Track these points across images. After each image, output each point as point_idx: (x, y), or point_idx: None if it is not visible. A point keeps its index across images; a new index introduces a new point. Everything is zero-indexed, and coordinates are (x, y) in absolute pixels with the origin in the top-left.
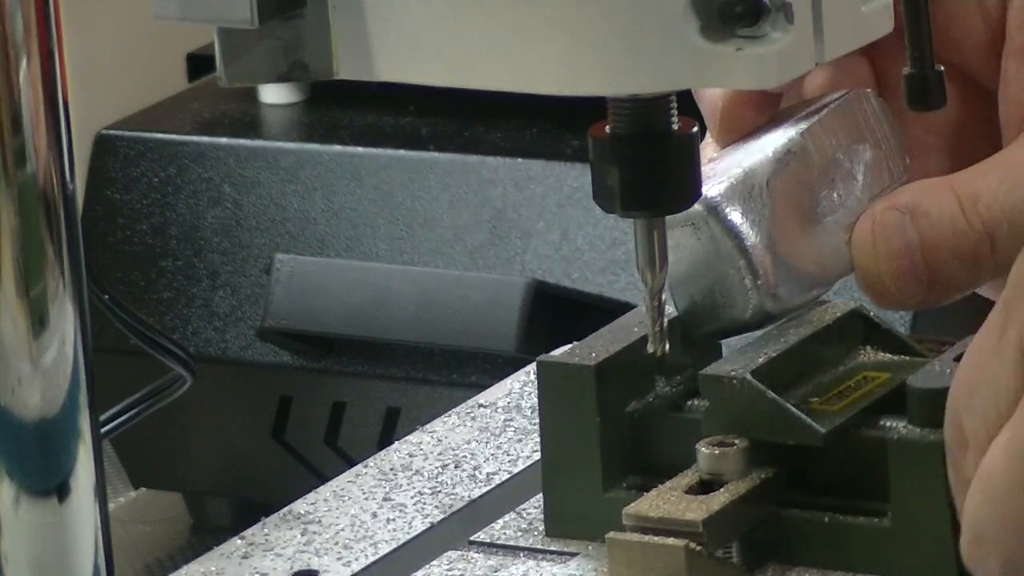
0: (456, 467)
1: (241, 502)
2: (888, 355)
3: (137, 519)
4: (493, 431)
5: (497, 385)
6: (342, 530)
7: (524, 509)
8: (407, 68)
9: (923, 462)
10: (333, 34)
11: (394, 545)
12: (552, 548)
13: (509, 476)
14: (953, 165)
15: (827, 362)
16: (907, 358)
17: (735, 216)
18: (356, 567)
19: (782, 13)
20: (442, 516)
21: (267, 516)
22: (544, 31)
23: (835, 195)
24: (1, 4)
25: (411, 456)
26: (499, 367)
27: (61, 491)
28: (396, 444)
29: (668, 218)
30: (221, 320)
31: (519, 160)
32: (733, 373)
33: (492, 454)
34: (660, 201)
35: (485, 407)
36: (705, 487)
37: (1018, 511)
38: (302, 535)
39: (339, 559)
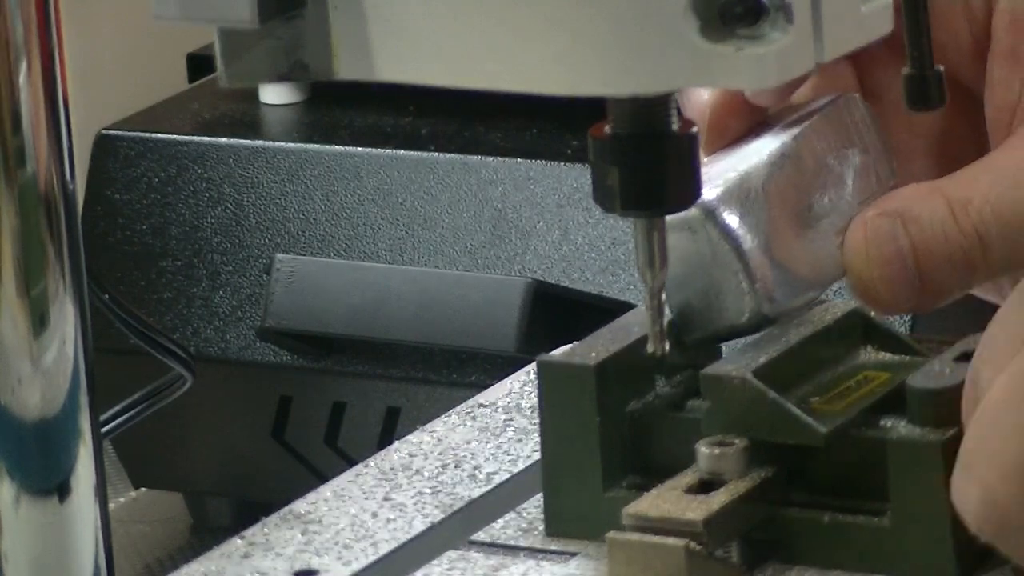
0: (456, 467)
1: (241, 502)
2: (889, 355)
3: (137, 519)
4: (493, 431)
5: (497, 385)
6: (342, 530)
7: (524, 509)
8: (407, 68)
9: (923, 462)
10: (333, 34)
11: (394, 545)
12: (552, 548)
13: (509, 476)
14: (939, 169)
15: (828, 362)
16: (908, 358)
17: (732, 220)
18: (356, 567)
19: (782, 13)
20: (442, 516)
21: (267, 516)
22: (544, 31)
23: (826, 199)
24: (1, 4)
25: (411, 456)
26: (499, 367)
27: (61, 491)
28: (396, 444)
29: (666, 220)
30: (221, 320)
31: (519, 160)
32: (734, 373)
33: (492, 454)
34: (660, 201)
35: (485, 407)
36: (705, 487)
37: (1004, 442)
38: (302, 535)
39: (339, 559)
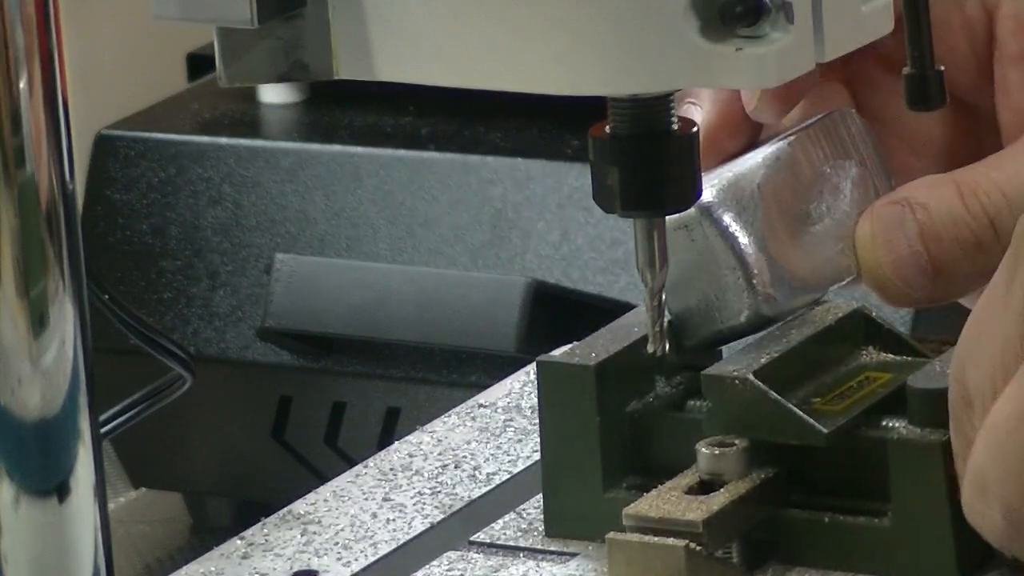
0: (456, 467)
1: (241, 502)
2: (890, 355)
3: (137, 519)
4: (493, 431)
5: (497, 385)
6: (342, 530)
7: (524, 509)
8: (407, 68)
9: (923, 462)
10: (333, 34)
11: (394, 545)
12: (552, 548)
13: (509, 476)
14: None
15: (829, 362)
16: (909, 358)
17: (728, 218)
18: (356, 567)
19: (782, 13)
20: (442, 516)
21: (267, 516)
22: (544, 31)
23: (823, 207)
24: (1, 5)
25: (411, 456)
26: (499, 367)
27: (61, 491)
28: (396, 444)
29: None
30: (221, 320)
31: (519, 160)
32: (735, 373)
33: (492, 454)
34: (660, 201)
35: (485, 407)
36: (705, 487)
37: (1020, 456)
38: (302, 535)
39: (339, 559)
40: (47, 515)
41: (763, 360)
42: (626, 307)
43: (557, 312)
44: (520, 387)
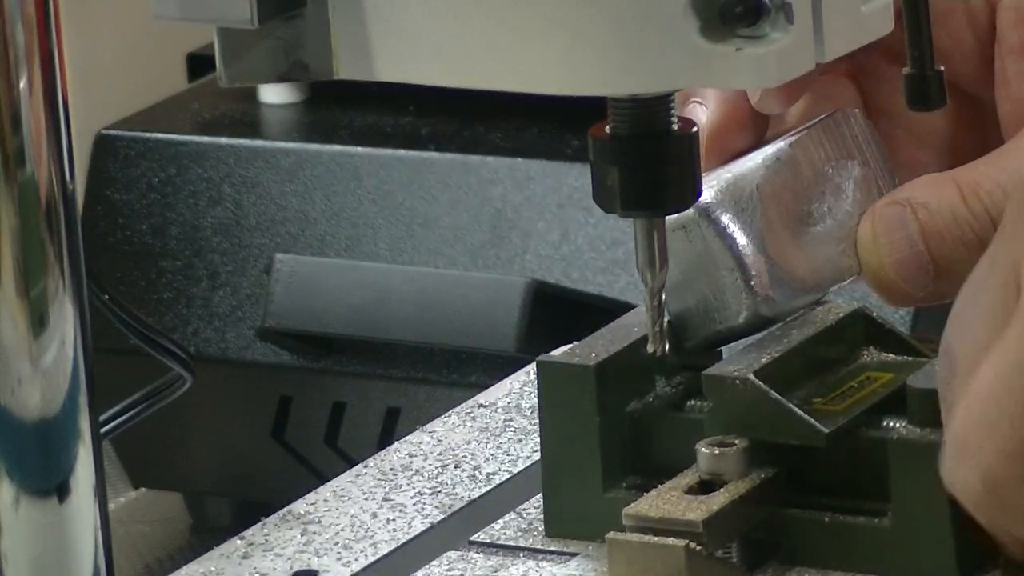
0: (456, 467)
1: (241, 502)
2: (891, 355)
3: (137, 519)
4: (493, 431)
5: (497, 385)
6: (342, 530)
7: (524, 509)
8: (407, 68)
9: (923, 462)
10: (333, 34)
11: (394, 545)
12: (552, 548)
13: (509, 476)
14: None
15: (830, 362)
16: (910, 358)
17: (726, 219)
18: (356, 567)
19: (782, 13)
20: (442, 516)
21: (267, 516)
22: (544, 31)
23: (825, 207)
24: (1, 5)
25: (411, 456)
26: (499, 367)
27: (61, 491)
28: (396, 444)
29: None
30: (221, 320)
31: (519, 160)
32: (736, 373)
33: (492, 454)
34: (660, 201)
35: (485, 407)
36: (705, 487)
37: (1002, 424)
38: (302, 535)
39: (339, 559)
40: (47, 515)
41: (764, 360)
42: (626, 307)
43: (557, 312)
44: (520, 387)
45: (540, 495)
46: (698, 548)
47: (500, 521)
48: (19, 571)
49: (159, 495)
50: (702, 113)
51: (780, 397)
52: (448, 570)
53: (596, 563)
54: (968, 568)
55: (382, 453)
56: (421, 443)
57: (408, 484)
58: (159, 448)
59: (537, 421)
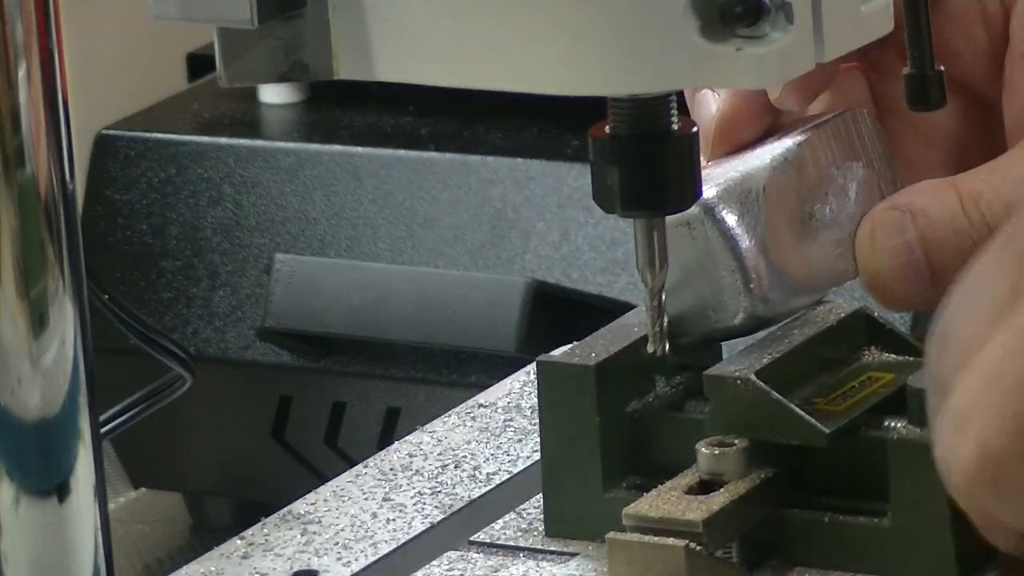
0: (456, 467)
1: (241, 502)
2: (892, 355)
3: (137, 519)
4: (493, 431)
5: (497, 385)
6: (342, 530)
7: (524, 509)
8: (407, 68)
9: (923, 462)
10: (333, 34)
11: (394, 545)
12: (552, 548)
13: (509, 476)
14: None
15: (831, 362)
16: (911, 359)
17: (731, 219)
18: (356, 567)
19: (782, 13)
20: (442, 516)
21: (267, 516)
22: (544, 31)
23: (828, 209)
24: (1, 5)
25: (411, 456)
26: (499, 367)
27: (61, 491)
28: (396, 444)
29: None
30: (221, 320)
31: (519, 160)
32: (737, 374)
33: (492, 454)
34: (660, 201)
35: (485, 407)
36: (705, 487)
37: (1006, 397)
38: (302, 535)
39: (339, 559)
40: (47, 515)
41: (765, 360)
42: (626, 307)
43: (557, 312)
44: (520, 387)
45: (540, 495)
46: (698, 548)
47: (500, 521)
48: (19, 571)
49: (159, 495)
50: (713, 101)
51: (781, 397)
52: (448, 570)
53: (596, 563)
54: (968, 568)
55: (382, 453)
56: (421, 443)
57: (408, 484)
58: (159, 448)
59: (537, 421)
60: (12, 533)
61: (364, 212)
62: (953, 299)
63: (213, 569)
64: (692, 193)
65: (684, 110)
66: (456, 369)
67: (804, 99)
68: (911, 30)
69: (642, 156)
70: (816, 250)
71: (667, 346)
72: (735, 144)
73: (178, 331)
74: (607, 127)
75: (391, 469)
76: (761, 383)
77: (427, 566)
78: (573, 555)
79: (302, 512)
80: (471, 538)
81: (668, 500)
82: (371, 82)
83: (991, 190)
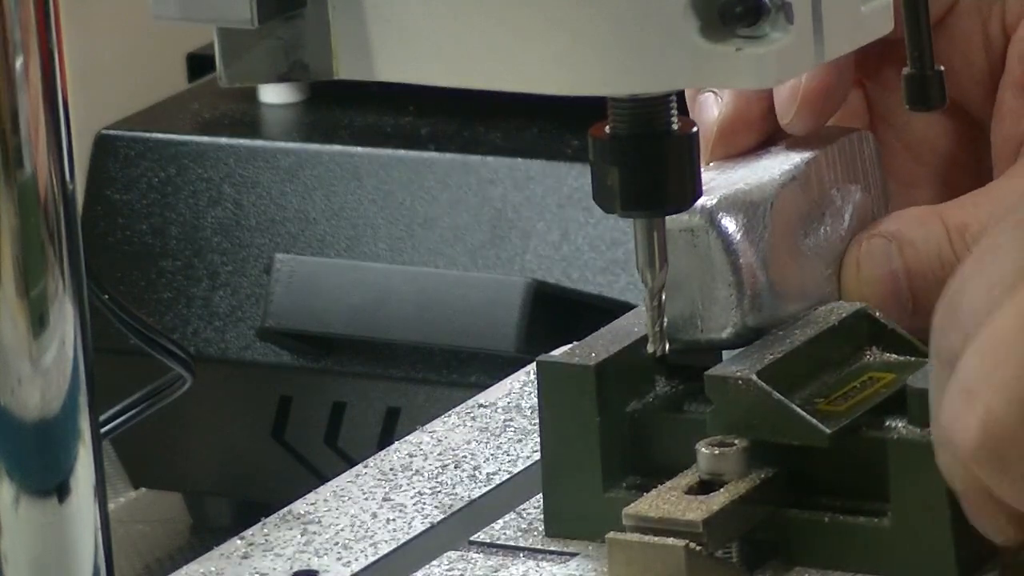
0: (456, 467)
1: (241, 502)
2: (894, 355)
3: (137, 519)
4: (493, 431)
5: (497, 385)
6: (342, 530)
7: (524, 509)
8: (407, 68)
9: (923, 462)
10: (333, 34)
11: (394, 545)
12: (552, 548)
13: (509, 476)
14: (942, 197)
15: (833, 363)
16: (913, 359)
17: (735, 232)
18: (356, 567)
19: (782, 13)
20: (442, 516)
21: (267, 516)
22: (544, 31)
23: (823, 230)
24: (1, 4)
25: (411, 456)
26: (499, 367)
27: (61, 491)
28: (396, 444)
29: (668, 221)
30: (221, 320)
31: (519, 160)
32: (738, 374)
33: (492, 454)
34: (660, 201)
35: (485, 407)
36: (705, 487)
37: (1016, 368)
38: (302, 535)
39: (339, 559)
40: (47, 515)
41: (766, 360)
42: (626, 307)
43: (557, 312)
44: (520, 387)
45: (540, 495)
46: (698, 548)
47: (500, 521)
48: (19, 571)
49: (159, 495)
50: (714, 105)
51: (783, 398)
52: (448, 570)
53: (596, 563)
54: (968, 568)
55: (382, 453)
56: (421, 443)
57: (408, 484)
58: (159, 448)
59: (537, 421)
60: (12, 533)
61: (364, 212)
62: (962, 273)
63: (213, 569)
64: (692, 193)
65: (684, 110)
66: (456, 369)
67: (817, 122)
68: (911, 30)
69: (642, 156)
70: (808, 270)
71: (667, 346)
72: (735, 149)
73: (178, 331)
74: (607, 127)
75: (391, 469)
76: (763, 383)
77: (427, 566)
78: (573, 555)
79: (302, 512)
80: (471, 538)
81: (668, 500)
82: (371, 82)
83: (977, 223)
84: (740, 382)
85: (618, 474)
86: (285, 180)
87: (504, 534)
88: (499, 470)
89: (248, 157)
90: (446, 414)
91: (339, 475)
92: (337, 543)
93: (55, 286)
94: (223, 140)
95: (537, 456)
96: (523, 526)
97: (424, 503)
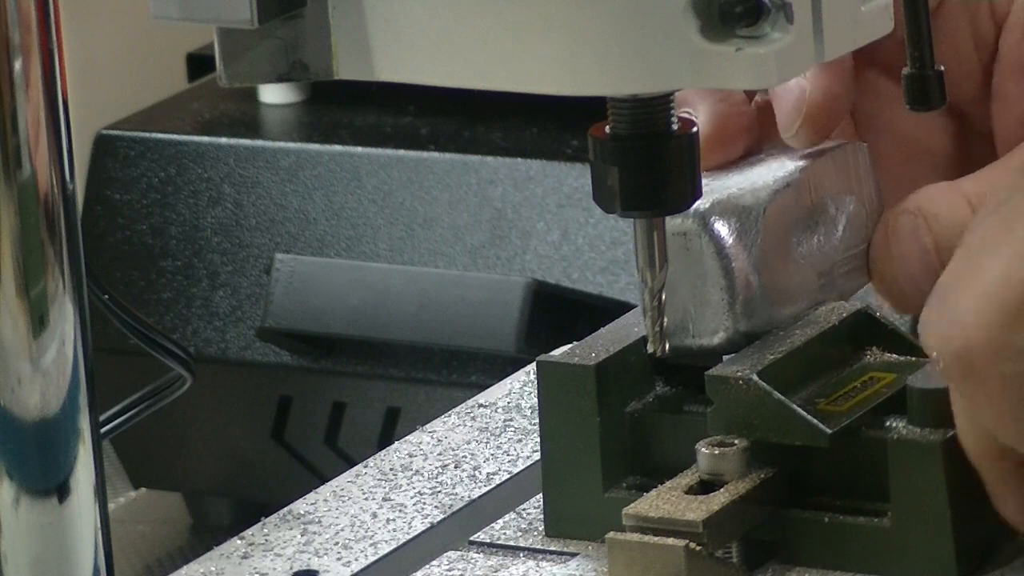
0: (456, 467)
1: (241, 502)
2: (894, 356)
3: (137, 519)
4: (493, 431)
5: (497, 385)
6: (342, 530)
7: (524, 509)
8: (407, 68)
9: (922, 462)
10: (333, 34)
11: (394, 545)
12: (552, 548)
13: (509, 476)
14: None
15: (833, 363)
16: (913, 359)
17: (728, 236)
18: (356, 567)
19: (782, 13)
20: (442, 516)
21: (267, 516)
22: (544, 31)
23: (816, 239)
24: (0, 4)
25: (411, 456)
26: (499, 367)
27: (61, 491)
28: (396, 444)
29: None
30: (221, 320)
31: (519, 160)
32: (739, 374)
33: (492, 454)
34: (660, 201)
35: (485, 407)
36: (705, 487)
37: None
38: (302, 535)
39: (339, 559)
40: (47, 515)
41: (767, 360)
42: (626, 307)
43: (557, 312)
44: (520, 387)
45: (540, 495)
46: (698, 548)
47: (500, 521)
48: (19, 571)
49: (159, 495)
50: (703, 113)
51: (784, 398)
52: (448, 570)
53: (596, 563)
54: (968, 568)
55: (382, 453)
56: (421, 443)
57: (408, 484)
58: (159, 448)
59: (537, 421)
60: (12, 533)
61: (364, 212)
62: (974, 221)
63: (213, 569)
64: (692, 193)
65: None
66: (456, 369)
67: (819, 137)
68: (911, 30)
69: (642, 156)
70: (800, 277)
71: (667, 346)
72: (711, 165)
73: (178, 331)
74: (607, 127)
75: (391, 469)
76: (763, 383)
77: (427, 566)
78: (573, 555)
79: (302, 512)
80: (471, 538)
81: (668, 500)
82: (371, 82)
83: (995, 194)
84: (740, 382)
85: (618, 474)
86: (285, 180)
87: (504, 534)
88: (499, 470)
89: (248, 157)
90: (446, 414)
91: (339, 475)
92: (337, 543)
93: (55, 286)
94: (223, 140)
95: (537, 456)
96: (523, 526)
97: (424, 503)
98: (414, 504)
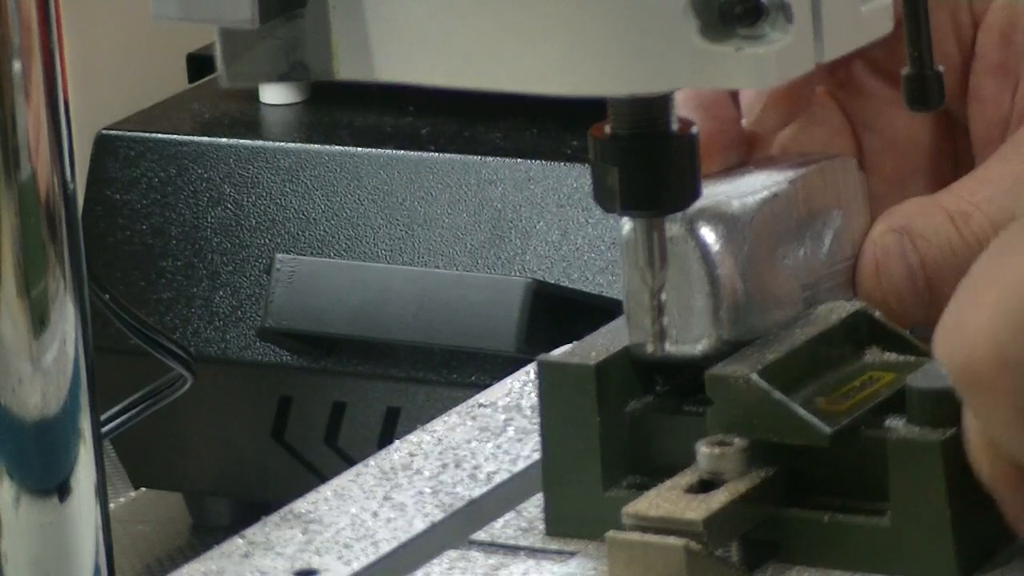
0: (456, 467)
1: (241, 502)
2: (894, 355)
3: (137, 519)
4: (493, 431)
5: (497, 385)
6: (342, 529)
7: (524, 509)
8: (407, 68)
9: (922, 461)
10: (333, 34)
11: (394, 544)
12: (552, 548)
13: (509, 476)
14: (931, 189)
15: (833, 362)
16: (913, 358)
17: (715, 243)
18: (356, 566)
19: (782, 13)
20: (442, 515)
21: (267, 516)
22: (544, 31)
23: (802, 251)
24: (1, 5)
25: (411, 455)
26: (499, 367)
27: (61, 491)
28: (397, 443)
29: None
30: (221, 320)
31: (519, 160)
32: (739, 373)
33: (492, 454)
34: (660, 201)
35: (485, 407)
36: (705, 487)
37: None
38: (303, 534)
39: (339, 558)
40: (47, 515)
41: (767, 360)
42: None
43: (557, 312)
44: (520, 387)
45: (540, 495)
46: (698, 547)
47: (500, 520)
48: (19, 571)
49: (159, 495)
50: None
51: (783, 397)
52: (448, 569)
53: (596, 562)
54: (967, 568)
55: (383, 452)
56: (421, 442)
57: (409, 483)
58: (159, 448)
59: (537, 421)
60: (12, 533)
61: (364, 212)
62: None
63: (214, 568)
64: (692, 193)
65: None
66: (456, 369)
67: (782, 122)
68: (911, 30)
69: (642, 156)
70: (785, 289)
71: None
72: (716, 166)
73: (178, 331)
74: (607, 127)
75: (392, 468)
76: (763, 383)
77: (427, 565)
78: (573, 554)
79: (303, 511)
80: (471, 537)
81: (668, 499)
82: (371, 82)
83: (979, 211)
84: (740, 381)
85: (618, 473)
86: (285, 180)
87: (504, 533)
88: (499, 469)
89: (248, 157)
90: (446, 414)
91: (339, 475)
92: (338, 542)
93: (55, 286)
94: (223, 140)
95: (537, 456)
96: (523, 525)
97: (425, 502)
98: (414, 503)
